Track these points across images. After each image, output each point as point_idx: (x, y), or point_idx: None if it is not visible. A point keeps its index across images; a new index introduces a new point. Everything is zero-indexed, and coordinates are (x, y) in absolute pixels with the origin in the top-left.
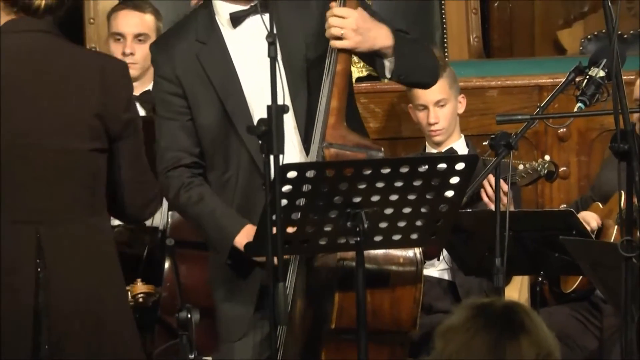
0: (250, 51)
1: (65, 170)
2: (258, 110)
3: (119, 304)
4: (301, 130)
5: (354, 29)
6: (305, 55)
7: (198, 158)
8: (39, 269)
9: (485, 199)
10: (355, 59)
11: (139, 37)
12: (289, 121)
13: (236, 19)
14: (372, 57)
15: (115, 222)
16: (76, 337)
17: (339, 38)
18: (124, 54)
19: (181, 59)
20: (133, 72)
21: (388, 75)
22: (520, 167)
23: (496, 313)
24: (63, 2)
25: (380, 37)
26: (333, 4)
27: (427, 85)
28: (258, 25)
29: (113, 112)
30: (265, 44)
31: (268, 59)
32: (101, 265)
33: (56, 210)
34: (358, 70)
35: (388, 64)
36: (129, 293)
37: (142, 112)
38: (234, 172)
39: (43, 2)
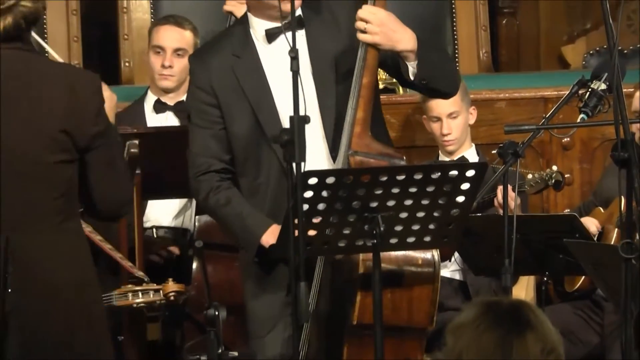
0: (282, 65)
1: (34, 180)
2: (287, 121)
3: (91, 304)
4: (329, 140)
5: (379, 24)
6: (334, 70)
7: (227, 164)
8: (6, 274)
9: (498, 206)
10: None
11: (178, 52)
12: (318, 131)
13: (271, 35)
14: (397, 64)
15: (148, 224)
16: (45, 338)
17: (364, 31)
18: (163, 66)
19: (217, 71)
20: (169, 83)
21: (412, 77)
22: (529, 176)
23: (503, 310)
24: (19, 24)
25: (404, 40)
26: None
27: (447, 95)
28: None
29: (80, 127)
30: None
31: (302, 72)
32: (71, 269)
33: (25, 218)
34: None
35: (411, 68)
36: (161, 292)
37: (175, 121)
38: (264, 178)
39: (1, 26)
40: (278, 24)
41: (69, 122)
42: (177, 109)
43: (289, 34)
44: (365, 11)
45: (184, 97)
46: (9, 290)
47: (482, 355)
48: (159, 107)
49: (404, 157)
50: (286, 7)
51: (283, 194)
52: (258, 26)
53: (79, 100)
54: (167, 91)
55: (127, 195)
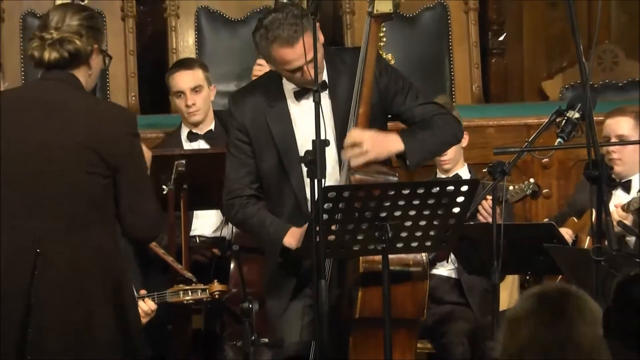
0: (308, 118)
1: (65, 188)
2: None
3: (103, 314)
4: (342, 162)
5: (369, 145)
6: (346, 108)
7: (255, 192)
8: (37, 267)
9: (480, 217)
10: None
11: (195, 89)
12: (334, 155)
13: (299, 95)
14: (405, 120)
15: (195, 232)
16: (58, 336)
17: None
18: (187, 106)
19: (252, 116)
20: (197, 117)
21: (409, 164)
22: (511, 187)
23: (556, 300)
24: (65, 58)
25: (393, 143)
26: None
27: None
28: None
29: (107, 146)
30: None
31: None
32: (90, 272)
33: (56, 220)
34: None
35: (408, 160)
36: (207, 290)
37: (206, 147)
38: (283, 209)
39: (47, 57)
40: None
41: (96, 141)
42: (207, 136)
43: (323, 94)
44: (353, 136)
45: (211, 126)
46: (34, 283)
47: (542, 345)
48: (192, 137)
49: (397, 174)
50: (307, 77)
51: (296, 219)
52: (287, 85)
53: (107, 125)
54: (196, 124)
55: (155, 217)
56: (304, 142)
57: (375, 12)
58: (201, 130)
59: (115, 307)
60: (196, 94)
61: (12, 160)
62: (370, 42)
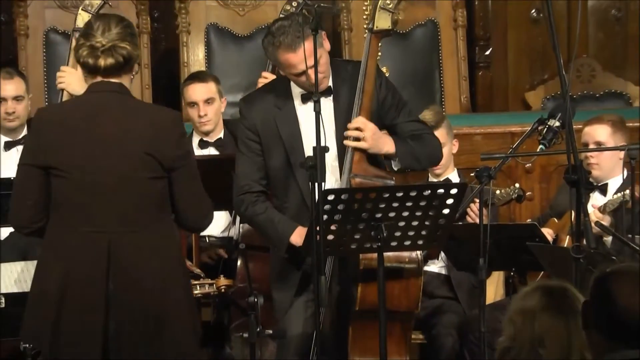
0: (313, 119)
1: (128, 192)
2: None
3: (180, 300)
4: (341, 167)
5: (370, 135)
6: (347, 117)
7: (264, 187)
8: (109, 267)
9: (469, 218)
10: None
11: (207, 101)
12: (334, 160)
13: (305, 98)
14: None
15: (205, 232)
16: (136, 319)
17: (357, 139)
18: (199, 116)
19: (261, 117)
20: (208, 127)
21: (395, 169)
22: (497, 192)
23: (561, 295)
24: (120, 63)
25: (386, 145)
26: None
27: (425, 169)
28: (322, 105)
29: (163, 150)
30: (326, 115)
31: (327, 124)
32: (164, 267)
33: (123, 223)
34: None
35: (394, 162)
36: (214, 285)
37: (216, 153)
38: (288, 201)
39: (103, 63)
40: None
41: (154, 147)
42: (217, 144)
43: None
44: (358, 122)
45: (221, 135)
46: (109, 281)
47: (559, 334)
48: (203, 144)
49: (394, 178)
50: (311, 81)
51: (302, 213)
52: (295, 88)
53: (160, 131)
54: (207, 133)
55: (208, 208)
56: (309, 142)
57: (375, 28)
58: (211, 138)
59: (188, 291)
60: (208, 106)
61: (81, 170)
62: (370, 55)
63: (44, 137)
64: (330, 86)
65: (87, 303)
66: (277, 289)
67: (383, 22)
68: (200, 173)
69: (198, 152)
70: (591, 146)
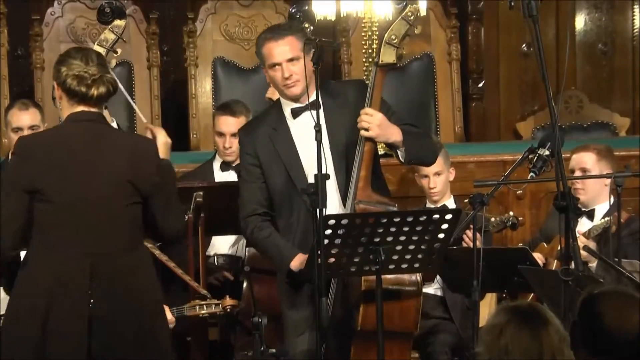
0: (306, 135)
1: (110, 218)
2: (311, 176)
3: (156, 314)
4: (341, 192)
5: (377, 124)
6: (344, 141)
7: (267, 209)
8: (91, 288)
9: (464, 244)
10: None
11: (235, 135)
12: (333, 186)
13: (295, 113)
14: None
15: (212, 251)
16: (120, 337)
17: (366, 129)
18: (224, 147)
19: (260, 141)
20: (231, 158)
21: (402, 160)
22: (492, 219)
23: (527, 312)
24: (110, 92)
25: (394, 134)
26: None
27: (429, 164)
28: (312, 118)
29: (141, 178)
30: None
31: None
32: (140, 285)
33: (104, 246)
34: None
35: (400, 153)
36: (220, 305)
37: (235, 177)
38: (296, 217)
39: (96, 93)
40: (301, 105)
41: (133, 175)
42: (237, 169)
43: (314, 112)
44: (367, 111)
45: None
46: (92, 301)
47: (524, 347)
48: (224, 167)
49: (396, 205)
50: (292, 93)
51: (309, 229)
52: (286, 106)
53: (139, 160)
54: (229, 162)
55: (181, 223)
56: (305, 156)
57: (380, 62)
58: (233, 162)
59: (161, 310)
60: (234, 138)
61: (64, 197)
62: (375, 87)
63: (29, 162)
64: (316, 99)
65: (71, 323)
66: (287, 307)
67: (388, 56)
68: (222, 197)
69: (219, 174)
70: (577, 172)
